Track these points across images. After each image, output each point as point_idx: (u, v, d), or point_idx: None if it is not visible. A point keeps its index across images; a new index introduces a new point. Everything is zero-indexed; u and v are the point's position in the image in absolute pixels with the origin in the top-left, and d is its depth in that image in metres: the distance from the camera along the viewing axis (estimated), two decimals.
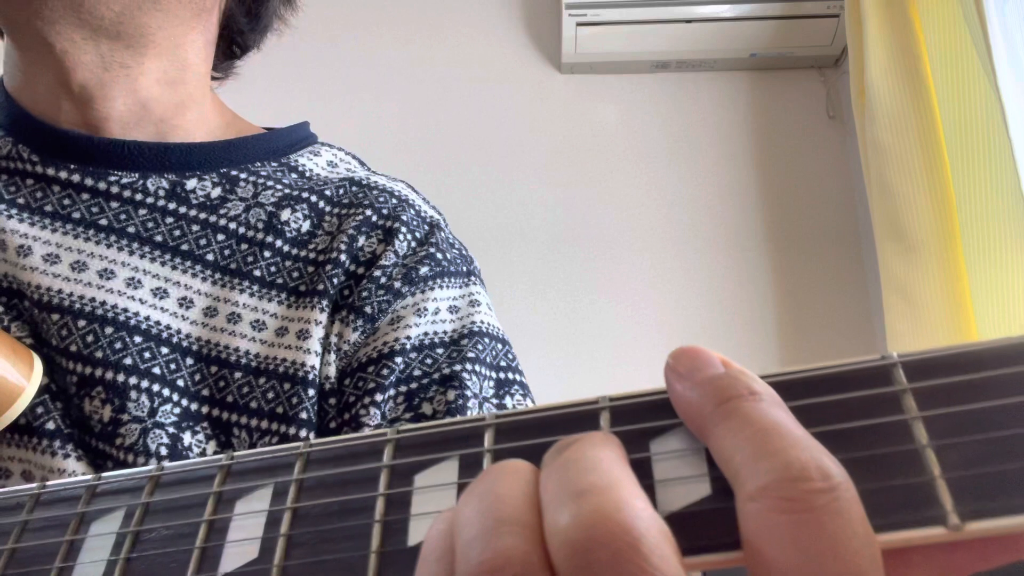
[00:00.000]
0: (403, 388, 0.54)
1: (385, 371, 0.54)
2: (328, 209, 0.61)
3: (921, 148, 1.58)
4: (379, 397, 0.53)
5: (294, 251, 0.59)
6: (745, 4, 1.94)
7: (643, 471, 0.22)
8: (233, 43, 0.68)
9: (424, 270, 0.59)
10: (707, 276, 1.95)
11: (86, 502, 0.30)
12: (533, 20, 2.16)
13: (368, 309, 0.56)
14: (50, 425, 0.52)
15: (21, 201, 0.58)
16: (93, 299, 0.54)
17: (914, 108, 1.61)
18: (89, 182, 0.59)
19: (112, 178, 0.59)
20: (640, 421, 0.23)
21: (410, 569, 0.23)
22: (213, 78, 0.69)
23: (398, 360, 0.54)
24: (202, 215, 0.59)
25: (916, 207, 1.57)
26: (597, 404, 0.23)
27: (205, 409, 0.54)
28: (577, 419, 0.23)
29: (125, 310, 0.55)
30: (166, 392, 0.53)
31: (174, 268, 0.57)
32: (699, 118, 2.07)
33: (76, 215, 0.58)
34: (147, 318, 0.55)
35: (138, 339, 0.54)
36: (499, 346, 0.59)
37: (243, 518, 0.27)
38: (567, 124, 2.09)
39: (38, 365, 0.49)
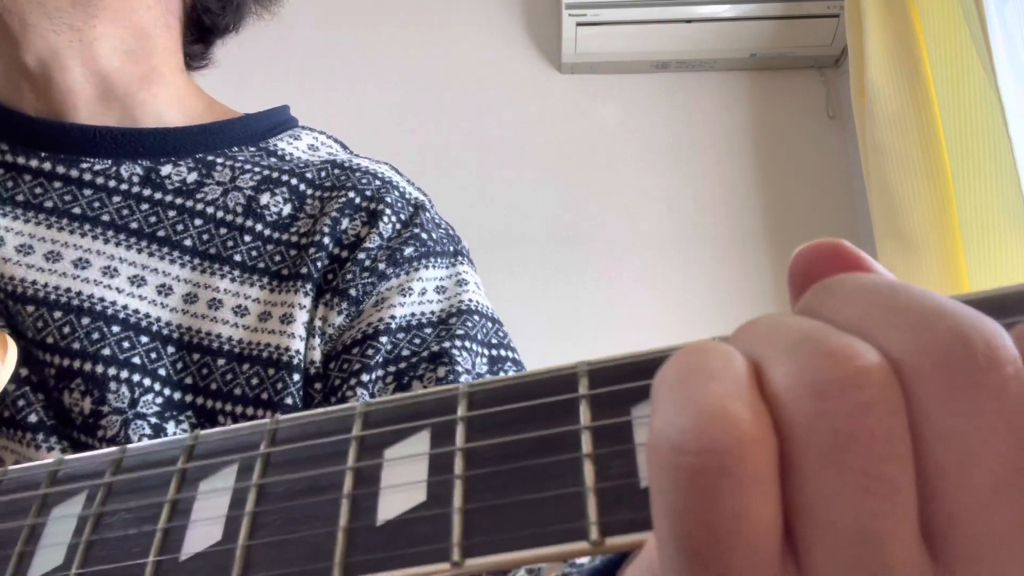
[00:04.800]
0: (392, 368, 0.53)
1: (370, 351, 0.53)
2: (310, 192, 0.59)
3: (921, 148, 1.58)
4: (365, 377, 0.52)
5: (275, 235, 0.57)
6: (745, 4, 1.94)
7: (624, 436, 0.21)
8: (203, 23, 0.66)
9: (409, 251, 0.57)
10: (707, 276, 1.95)
11: (47, 486, 0.29)
12: (533, 20, 2.15)
13: (353, 292, 0.55)
14: (32, 418, 0.51)
15: None
16: (68, 289, 0.53)
17: (914, 108, 1.60)
18: (61, 170, 0.57)
19: (84, 165, 0.58)
20: (620, 384, 0.22)
21: (379, 547, 0.22)
22: (190, 67, 0.68)
23: (383, 340, 0.53)
24: (178, 200, 0.58)
25: (916, 207, 1.56)
26: (575, 369, 0.22)
27: (189, 398, 0.53)
28: (554, 385, 0.22)
29: (102, 299, 0.54)
30: (147, 382, 0.52)
31: (151, 255, 0.56)
32: (699, 118, 2.06)
33: (48, 204, 0.56)
34: (125, 307, 0.54)
35: (116, 329, 0.53)
36: (489, 324, 0.58)
37: (207, 498, 0.26)
38: (567, 124, 2.08)
39: (12, 348, 0.48)
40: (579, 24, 1.98)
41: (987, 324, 0.17)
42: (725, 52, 2.03)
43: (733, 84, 2.08)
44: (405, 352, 0.53)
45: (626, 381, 0.21)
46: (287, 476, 0.24)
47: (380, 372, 0.53)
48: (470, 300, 0.58)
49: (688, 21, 1.97)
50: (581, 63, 2.08)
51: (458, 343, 0.54)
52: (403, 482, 0.23)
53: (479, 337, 0.56)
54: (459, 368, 0.52)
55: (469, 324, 0.56)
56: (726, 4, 1.94)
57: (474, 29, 2.15)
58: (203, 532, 0.25)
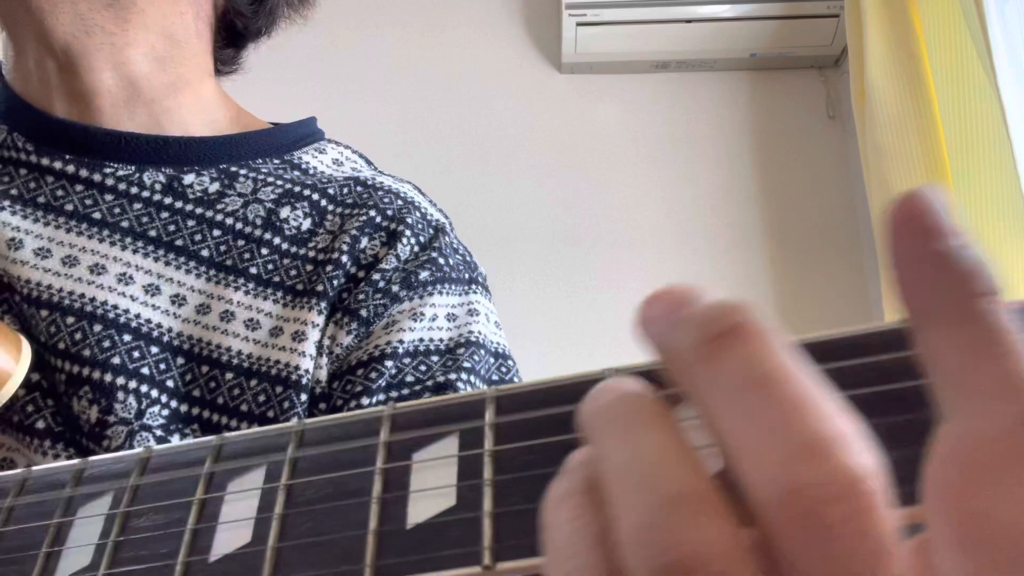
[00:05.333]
0: (394, 393, 0.52)
1: (374, 374, 0.52)
2: (331, 208, 0.59)
3: (921, 148, 1.58)
4: (365, 401, 0.51)
5: (293, 249, 0.57)
6: (745, 4, 1.94)
7: None
8: (235, 28, 0.66)
9: (424, 275, 0.57)
10: (707, 276, 1.95)
11: (73, 487, 0.29)
12: (533, 20, 2.15)
13: (364, 312, 0.55)
14: (40, 424, 0.51)
15: (14, 192, 0.57)
16: (83, 295, 0.53)
17: (914, 108, 1.61)
18: (84, 173, 0.57)
19: (108, 170, 0.57)
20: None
21: (409, 549, 0.22)
22: (220, 72, 0.67)
23: (389, 364, 0.53)
24: (198, 210, 0.57)
25: None
26: (603, 375, 0.22)
27: (195, 410, 0.52)
28: (580, 391, 0.22)
29: (115, 307, 0.53)
30: (154, 393, 0.51)
31: (167, 264, 0.55)
32: (699, 118, 2.06)
33: (69, 207, 0.56)
34: (137, 316, 0.53)
35: (127, 337, 0.53)
36: (491, 360, 0.58)
37: (235, 500, 0.26)
38: (567, 124, 2.08)
39: (26, 349, 0.48)
40: (579, 24, 1.98)
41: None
42: (725, 52, 2.03)
43: (733, 84, 2.08)
44: (409, 378, 0.53)
45: (658, 384, 0.22)
46: (315, 478, 0.25)
47: (382, 396, 0.52)
48: (479, 332, 0.57)
49: (688, 21, 1.97)
50: (581, 63, 2.08)
51: (464, 376, 0.53)
52: (432, 486, 0.23)
53: (482, 373, 0.56)
54: None
55: (476, 358, 0.55)
56: (726, 4, 1.95)
57: (474, 29, 2.15)
58: (232, 533, 0.25)
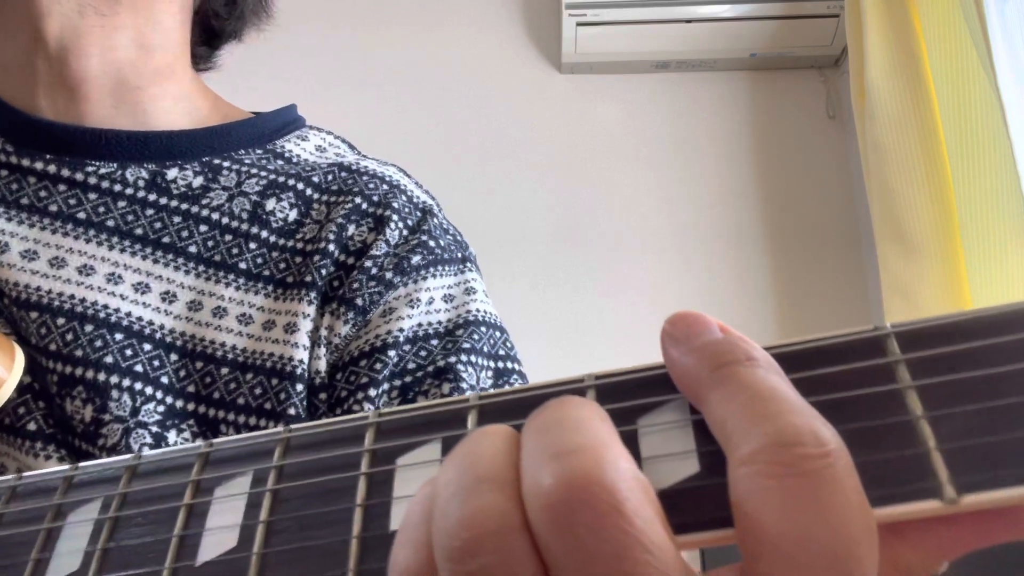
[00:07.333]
0: (397, 382, 0.53)
1: (378, 365, 0.52)
2: (316, 196, 0.59)
3: (921, 148, 1.58)
4: (372, 392, 0.52)
5: (280, 241, 0.57)
6: (745, 4, 1.94)
7: (630, 449, 0.21)
8: (210, 26, 0.66)
9: (416, 259, 0.57)
10: (707, 276, 1.95)
11: (63, 493, 0.29)
12: (533, 20, 2.16)
13: (359, 301, 0.54)
14: (31, 426, 0.51)
15: None
16: (72, 296, 0.53)
17: (914, 108, 1.61)
18: (65, 173, 0.57)
19: (89, 168, 0.57)
20: (626, 399, 0.22)
21: None
22: (194, 67, 0.68)
23: (391, 353, 0.53)
24: (183, 206, 0.57)
25: (916, 207, 1.56)
26: (583, 382, 0.23)
27: (191, 406, 0.52)
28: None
29: (105, 307, 0.53)
30: (149, 390, 0.52)
31: (155, 262, 0.55)
32: (699, 118, 2.06)
33: (53, 208, 0.56)
34: (128, 314, 0.53)
35: (119, 336, 0.53)
36: (496, 334, 0.58)
37: (222, 506, 0.26)
38: (567, 124, 2.08)
39: (19, 355, 0.48)
40: (579, 24, 1.98)
41: None
42: (725, 52, 2.04)
43: (733, 84, 2.08)
44: (411, 365, 0.53)
45: (632, 395, 0.22)
46: (301, 483, 0.25)
47: (386, 386, 0.52)
48: (477, 310, 0.57)
49: (688, 21, 1.97)
50: (581, 63, 2.08)
51: (464, 358, 0.53)
52: (415, 491, 0.23)
53: (485, 350, 0.56)
54: (464, 385, 0.52)
55: (476, 336, 0.55)
56: (726, 4, 1.95)
57: (474, 29, 2.15)
58: (218, 539, 0.25)
